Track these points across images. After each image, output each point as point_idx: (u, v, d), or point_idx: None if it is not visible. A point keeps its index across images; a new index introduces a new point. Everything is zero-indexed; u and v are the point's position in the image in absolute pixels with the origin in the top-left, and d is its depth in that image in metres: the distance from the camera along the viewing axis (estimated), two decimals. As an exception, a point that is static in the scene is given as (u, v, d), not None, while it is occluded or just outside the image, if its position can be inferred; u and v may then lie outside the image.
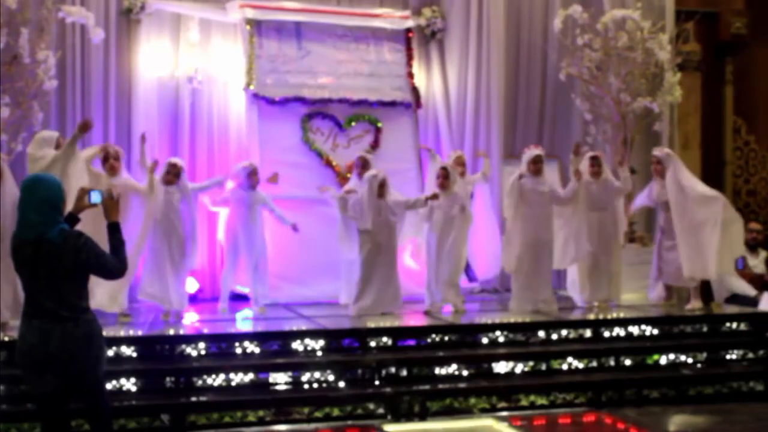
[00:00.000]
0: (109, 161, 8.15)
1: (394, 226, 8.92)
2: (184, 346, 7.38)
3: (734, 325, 8.69)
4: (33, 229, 4.54)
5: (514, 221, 8.98)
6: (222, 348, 7.46)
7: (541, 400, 7.49)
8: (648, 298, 9.62)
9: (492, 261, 10.34)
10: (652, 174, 9.55)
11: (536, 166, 8.94)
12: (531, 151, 9.08)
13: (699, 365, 8.19)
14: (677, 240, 9.05)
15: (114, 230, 4.75)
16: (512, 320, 8.40)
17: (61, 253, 4.51)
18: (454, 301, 9.00)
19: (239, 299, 9.48)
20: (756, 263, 10.65)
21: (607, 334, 8.36)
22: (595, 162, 9.28)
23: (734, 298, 10.40)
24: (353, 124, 10.34)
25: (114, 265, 4.66)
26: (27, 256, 4.55)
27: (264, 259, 9.12)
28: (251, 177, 8.97)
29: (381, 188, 8.77)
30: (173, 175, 8.44)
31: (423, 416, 7.14)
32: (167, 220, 8.34)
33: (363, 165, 9.41)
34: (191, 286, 9.49)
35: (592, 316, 8.66)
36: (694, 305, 9.13)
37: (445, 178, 8.96)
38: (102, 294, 7.86)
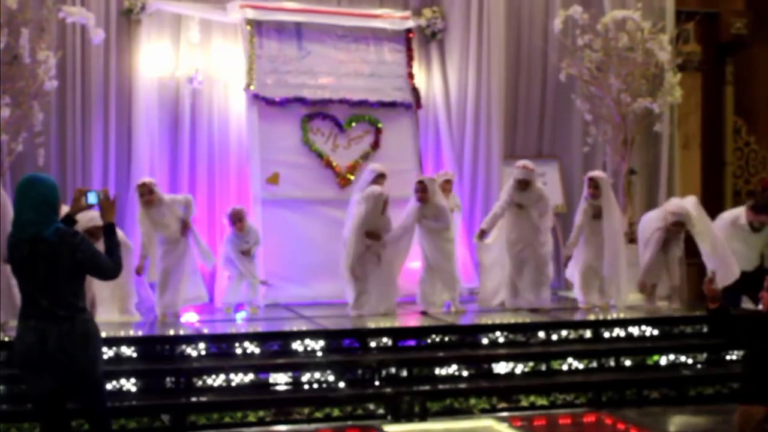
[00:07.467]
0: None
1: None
2: (184, 346, 7.40)
3: (734, 325, 8.69)
4: (29, 228, 4.54)
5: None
6: (222, 348, 7.47)
7: (541, 401, 7.50)
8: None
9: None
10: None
11: (521, 184, 8.95)
12: (518, 170, 8.98)
13: (699, 365, 8.20)
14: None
15: (109, 231, 4.75)
16: (512, 320, 8.41)
17: (57, 252, 4.52)
18: (452, 300, 8.99)
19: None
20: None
21: (607, 334, 8.37)
22: (592, 183, 9.09)
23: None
24: (353, 124, 10.31)
25: (109, 266, 4.66)
26: (23, 255, 4.55)
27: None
28: None
29: (384, 205, 8.76)
30: (150, 193, 8.31)
31: (423, 417, 7.14)
32: (172, 233, 8.47)
33: (422, 190, 8.91)
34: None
35: (592, 317, 8.67)
36: (662, 305, 9.14)
37: (423, 191, 8.88)
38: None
